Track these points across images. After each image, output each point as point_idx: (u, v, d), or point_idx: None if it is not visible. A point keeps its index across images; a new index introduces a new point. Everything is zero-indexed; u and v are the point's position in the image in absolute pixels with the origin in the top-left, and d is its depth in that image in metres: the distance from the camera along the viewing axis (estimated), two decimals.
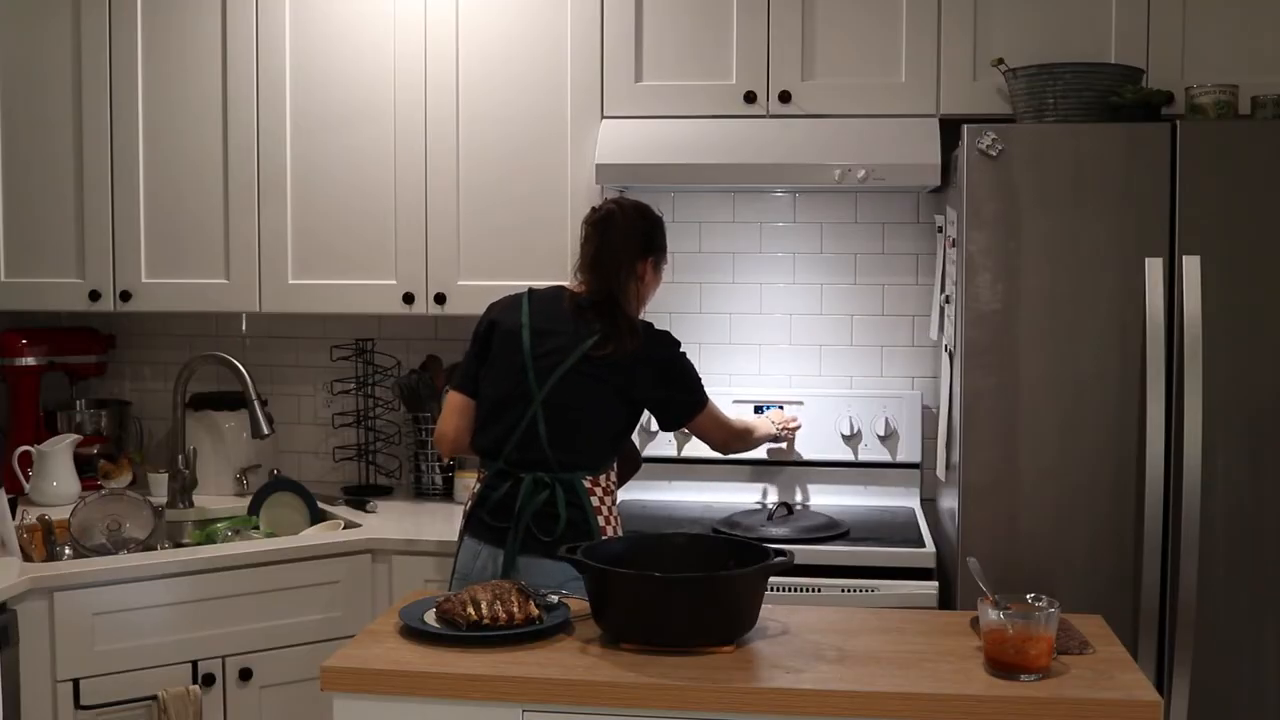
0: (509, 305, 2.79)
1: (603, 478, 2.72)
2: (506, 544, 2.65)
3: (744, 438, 3.06)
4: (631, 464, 2.95)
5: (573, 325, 2.69)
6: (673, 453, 3.52)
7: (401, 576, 3.04)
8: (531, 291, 2.80)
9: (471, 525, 2.73)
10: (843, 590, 2.90)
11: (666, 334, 2.79)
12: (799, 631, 2.22)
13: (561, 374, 2.67)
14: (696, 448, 3.49)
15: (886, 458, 3.46)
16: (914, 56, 3.16)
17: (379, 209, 3.37)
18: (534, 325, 2.72)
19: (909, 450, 3.45)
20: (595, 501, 2.68)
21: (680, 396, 2.81)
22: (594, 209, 2.79)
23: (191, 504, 3.40)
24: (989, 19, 3.13)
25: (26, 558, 2.98)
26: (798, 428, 3.42)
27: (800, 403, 3.49)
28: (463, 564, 2.73)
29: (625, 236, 2.73)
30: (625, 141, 3.20)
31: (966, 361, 2.82)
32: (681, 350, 2.80)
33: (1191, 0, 3.06)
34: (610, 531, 2.69)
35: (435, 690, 2.01)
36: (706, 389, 2.85)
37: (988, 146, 2.78)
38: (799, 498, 3.40)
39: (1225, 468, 2.75)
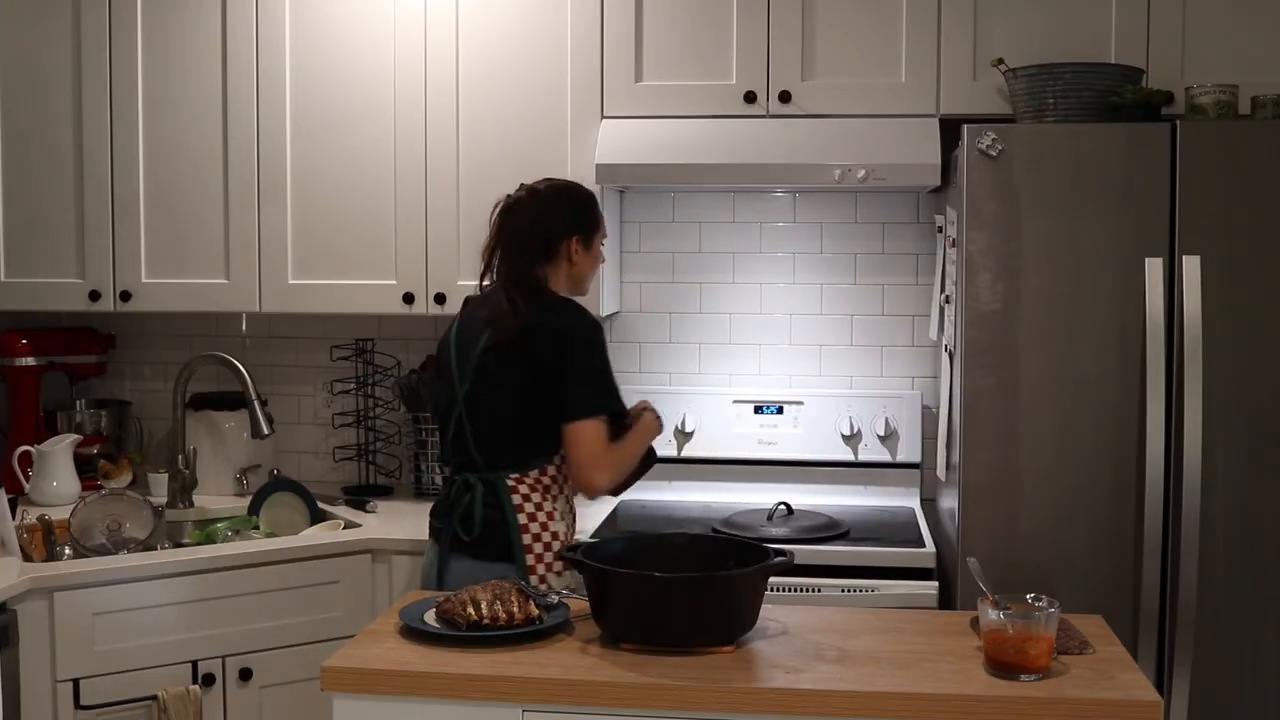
0: (456, 315, 2.84)
1: (534, 474, 2.66)
2: (441, 545, 2.72)
3: (622, 466, 2.68)
4: (643, 462, 2.82)
5: (482, 322, 2.71)
6: (672, 453, 3.52)
7: (401, 576, 3.04)
8: (469, 297, 2.84)
9: (430, 528, 2.80)
10: (843, 590, 2.90)
11: (573, 306, 2.68)
12: (799, 631, 2.22)
13: (472, 373, 2.68)
14: (696, 447, 3.50)
15: (886, 458, 3.46)
16: (914, 56, 3.16)
17: (379, 209, 3.37)
18: (460, 327, 2.76)
19: (909, 450, 3.45)
20: (517, 500, 2.64)
21: (566, 379, 2.60)
22: (508, 195, 2.76)
23: (191, 504, 3.40)
24: (989, 19, 3.13)
25: (26, 558, 2.98)
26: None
27: (800, 403, 3.49)
28: (422, 566, 2.82)
29: (534, 221, 2.70)
30: (625, 141, 3.20)
31: (966, 361, 2.82)
32: (588, 325, 2.64)
33: (1191, 0, 3.06)
34: (535, 529, 2.64)
35: (435, 690, 2.01)
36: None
37: (988, 146, 2.78)
38: (799, 498, 3.39)
39: (1225, 468, 2.75)
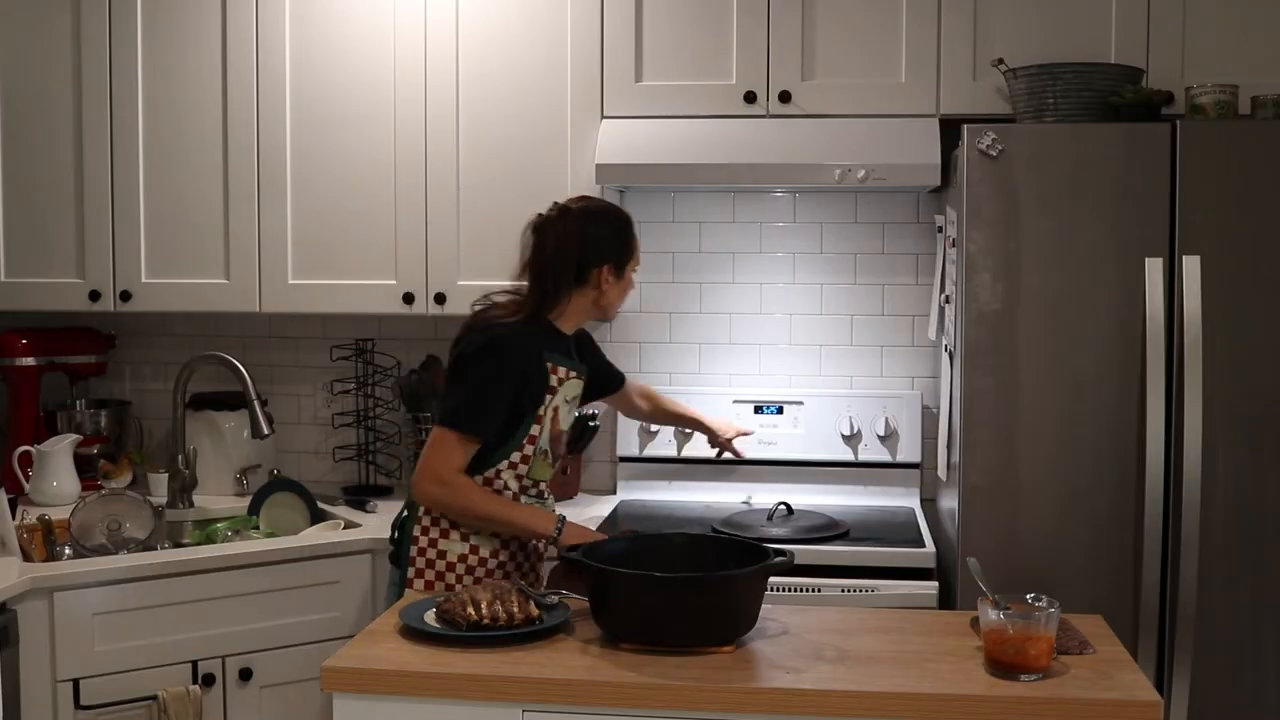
0: None
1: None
2: None
3: (459, 497, 2.55)
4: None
5: None
6: (672, 453, 3.52)
7: None
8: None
9: None
10: (843, 590, 2.90)
11: (488, 326, 2.59)
12: (799, 631, 2.22)
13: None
14: (696, 447, 3.50)
15: (886, 458, 3.46)
16: (914, 56, 3.16)
17: (379, 209, 3.37)
18: None
19: (909, 450, 3.45)
20: (420, 510, 2.63)
21: (447, 390, 2.62)
22: (539, 213, 2.68)
23: (191, 504, 3.40)
24: (989, 19, 3.13)
25: (26, 558, 2.98)
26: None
27: (800, 403, 3.49)
28: None
29: (564, 243, 2.60)
30: (625, 141, 3.20)
31: (966, 361, 2.82)
32: (481, 343, 2.56)
33: (1191, 0, 3.06)
34: (424, 543, 2.62)
35: (435, 690, 2.01)
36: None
37: (988, 146, 2.78)
38: (799, 498, 3.39)
39: (1225, 468, 2.75)
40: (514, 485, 2.62)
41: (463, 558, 2.61)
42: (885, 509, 3.36)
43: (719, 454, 3.35)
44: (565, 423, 2.70)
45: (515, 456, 2.61)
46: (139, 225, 3.46)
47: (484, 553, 2.62)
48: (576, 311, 2.67)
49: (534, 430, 2.61)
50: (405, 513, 2.69)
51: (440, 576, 2.61)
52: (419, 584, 2.61)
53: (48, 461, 3.44)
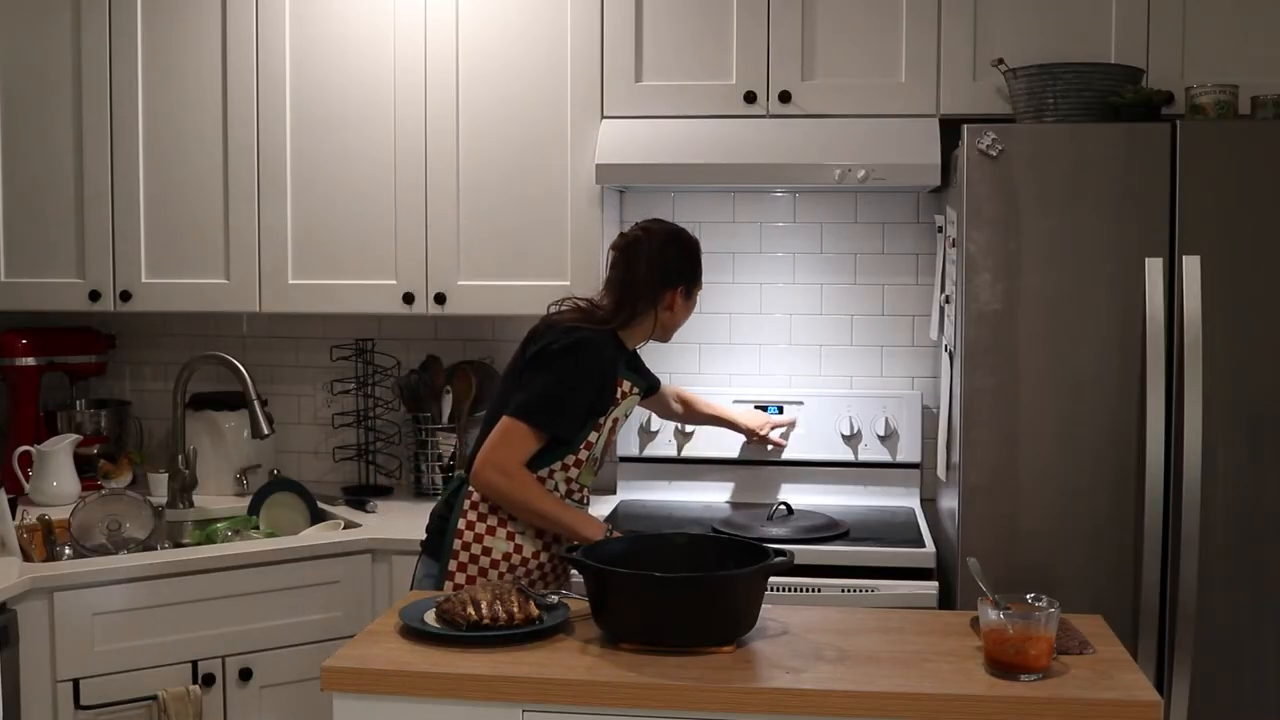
0: None
1: None
2: None
3: (518, 490, 2.58)
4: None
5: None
6: (672, 453, 3.52)
7: (401, 576, 3.04)
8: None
9: None
10: (843, 590, 2.90)
11: (571, 329, 2.64)
12: (799, 631, 2.22)
13: (501, 383, 2.75)
14: (696, 448, 3.50)
15: (886, 458, 3.46)
16: (914, 56, 3.16)
17: (379, 209, 3.37)
18: None
19: (909, 450, 3.45)
20: (468, 504, 2.65)
21: (521, 383, 2.63)
22: (622, 234, 2.77)
23: (191, 504, 3.40)
24: (989, 19, 3.13)
25: (26, 558, 2.98)
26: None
27: (800, 403, 3.49)
28: None
29: (650, 265, 2.69)
30: (625, 141, 3.20)
31: (966, 361, 2.82)
32: (565, 345, 2.60)
33: (1191, 0, 3.06)
34: (468, 537, 2.63)
35: (435, 690, 2.01)
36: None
37: (988, 146, 2.78)
38: (799, 498, 3.39)
39: (1225, 468, 2.74)
40: (563, 488, 2.69)
41: (506, 556, 2.64)
42: (885, 509, 3.36)
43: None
44: (617, 434, 2.78)
45: (570, 460, 2.67)
46: (139, 225, 3.46)
47: (527, 553, 2.66)
48: (642, 330, 2.74)
49: (592, 437, 2.68)
50: (443, 504, 2.72)
51: (483, 573, 2.63)
52: (460, 578, 2.63)
53: (48, 461, 3.44)
